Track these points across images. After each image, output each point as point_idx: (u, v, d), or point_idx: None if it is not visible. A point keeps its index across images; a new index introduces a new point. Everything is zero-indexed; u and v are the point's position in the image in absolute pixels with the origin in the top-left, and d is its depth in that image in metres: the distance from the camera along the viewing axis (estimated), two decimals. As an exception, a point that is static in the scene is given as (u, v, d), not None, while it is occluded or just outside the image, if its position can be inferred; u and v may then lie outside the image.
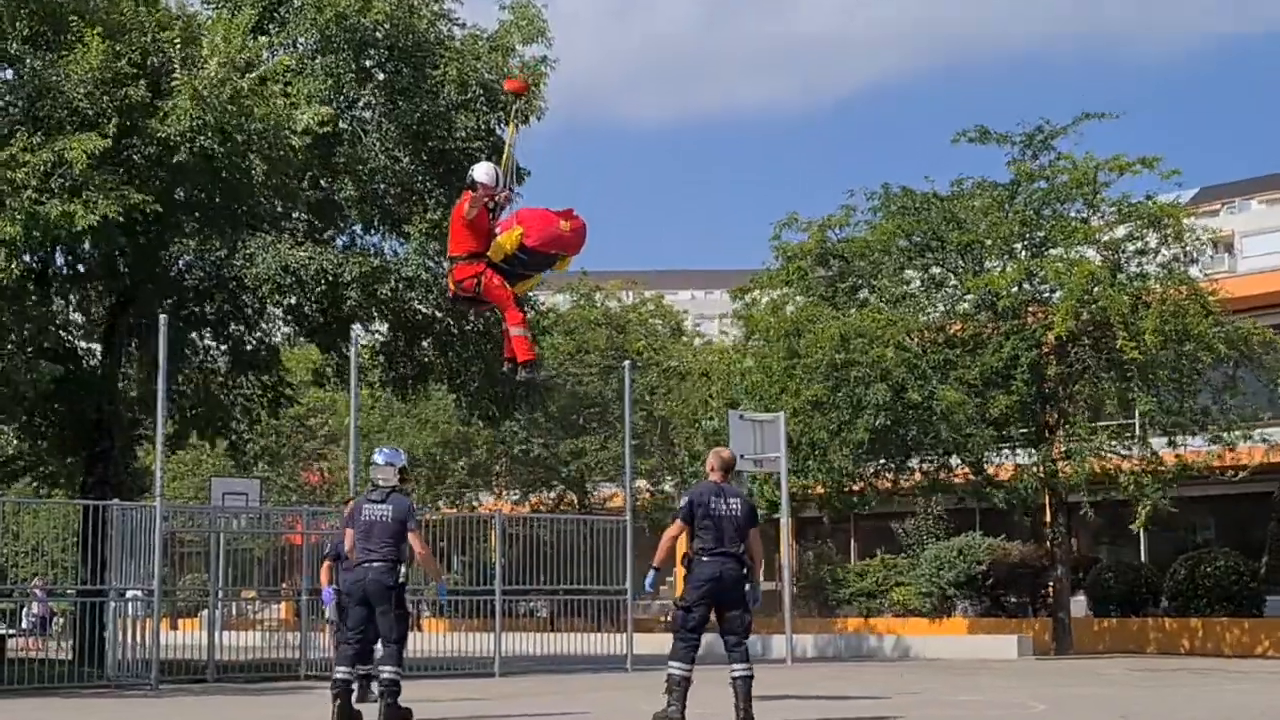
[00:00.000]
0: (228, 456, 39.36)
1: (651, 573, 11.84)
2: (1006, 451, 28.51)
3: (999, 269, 27.20)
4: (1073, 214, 27.69)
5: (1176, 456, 26.83)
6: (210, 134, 19.27)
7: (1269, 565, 28.72)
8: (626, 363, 24.74)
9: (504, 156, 12.84)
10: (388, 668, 11.69)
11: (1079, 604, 31.62)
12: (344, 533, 12.64)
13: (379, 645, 12.13)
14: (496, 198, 12.21)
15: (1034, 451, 27.45)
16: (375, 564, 11.74)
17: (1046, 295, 27.53)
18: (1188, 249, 27.46)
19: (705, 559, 11.04)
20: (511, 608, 26.77)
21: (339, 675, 11.91)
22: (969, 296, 27.70)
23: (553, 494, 38.69)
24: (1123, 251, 27.18)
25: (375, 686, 12.24)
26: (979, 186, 28.12)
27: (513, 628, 25.56)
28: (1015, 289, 26.79)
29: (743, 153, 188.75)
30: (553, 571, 22.40)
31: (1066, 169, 27.44)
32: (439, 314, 23.18)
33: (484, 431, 36.28)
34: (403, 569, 11.75)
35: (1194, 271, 27.97)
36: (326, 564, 16.47)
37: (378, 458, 12.31)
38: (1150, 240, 27.14)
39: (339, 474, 40.93)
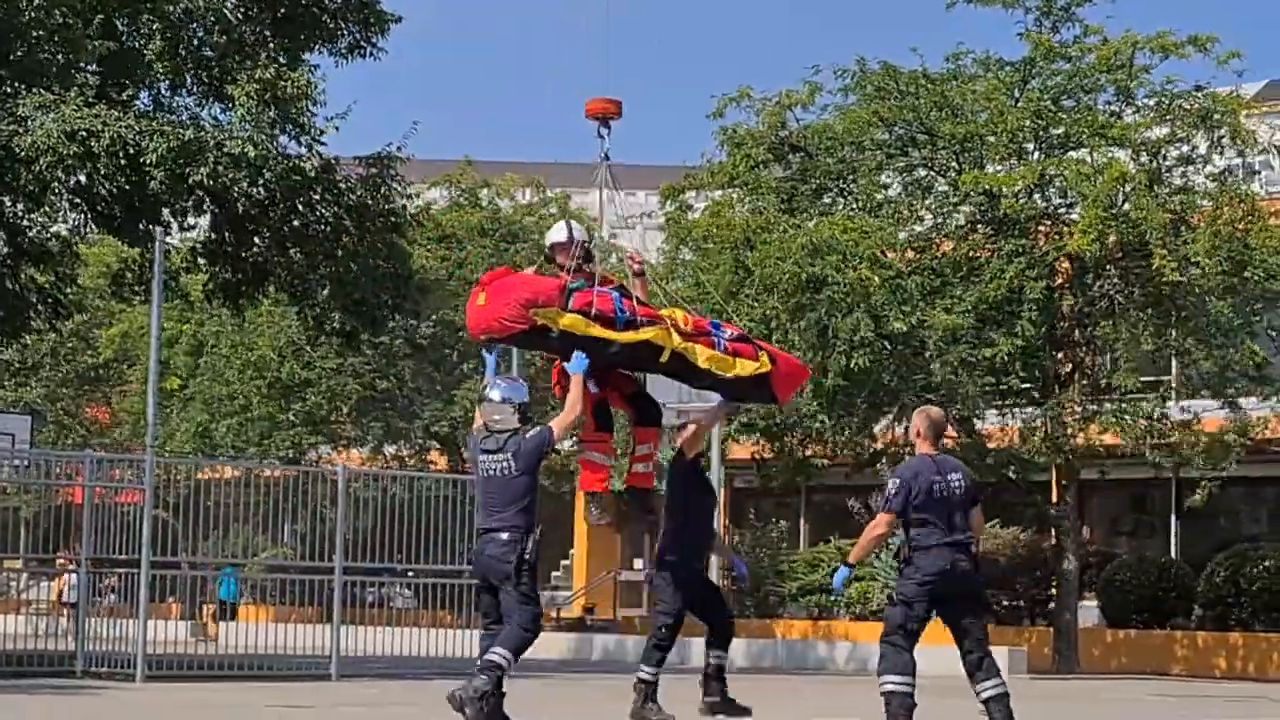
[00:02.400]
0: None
1: (845, 570, 12.36)
2: (1006, 409, 28.72)
3: (1004, 172, 27.33)
4: (1101, 105, 27.90)
5: (1232, 419, 27.14)
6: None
7: (1333, 567, 29.17)
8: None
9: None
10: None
11: (1090, 610, 32.09)
12: None
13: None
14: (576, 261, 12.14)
15: (1040, 410, 27.72)
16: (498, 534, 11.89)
17: (1063, 209, 27.73)
18: (1248, 157, 27.77)
19: (933, 549, 11.40)
20: (357, 594, 26.77)
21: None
22: (963, 206, 27.85)
23: (413, 449, 38.66)
24: (1163, 156, 27.42)
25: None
26: (981, 64, 28.21)
27: (361, 620, 25.60)
28: (1023, 198, 26.94)
29: (677, 12, 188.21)
30: (414, 547, 22.42)
31: (1095, 47, 27.60)
32: (275, 201, 23.02)
33: (328, 362, 36.10)
34: (525, 539, 11.83)
35: (1254, 187, 28.30)
36: None
37: (492, 393, 12.21)
38: (1199, 143, 27.41)
39: (133, 409, 40.64)
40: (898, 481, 11.55)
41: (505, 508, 11.90)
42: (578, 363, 11.80)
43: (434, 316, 36.24)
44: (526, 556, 11.80)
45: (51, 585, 31.25)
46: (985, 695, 11.37)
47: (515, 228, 39.75)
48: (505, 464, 11.92)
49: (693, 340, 11.96)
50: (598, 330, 11.83)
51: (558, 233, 12.55)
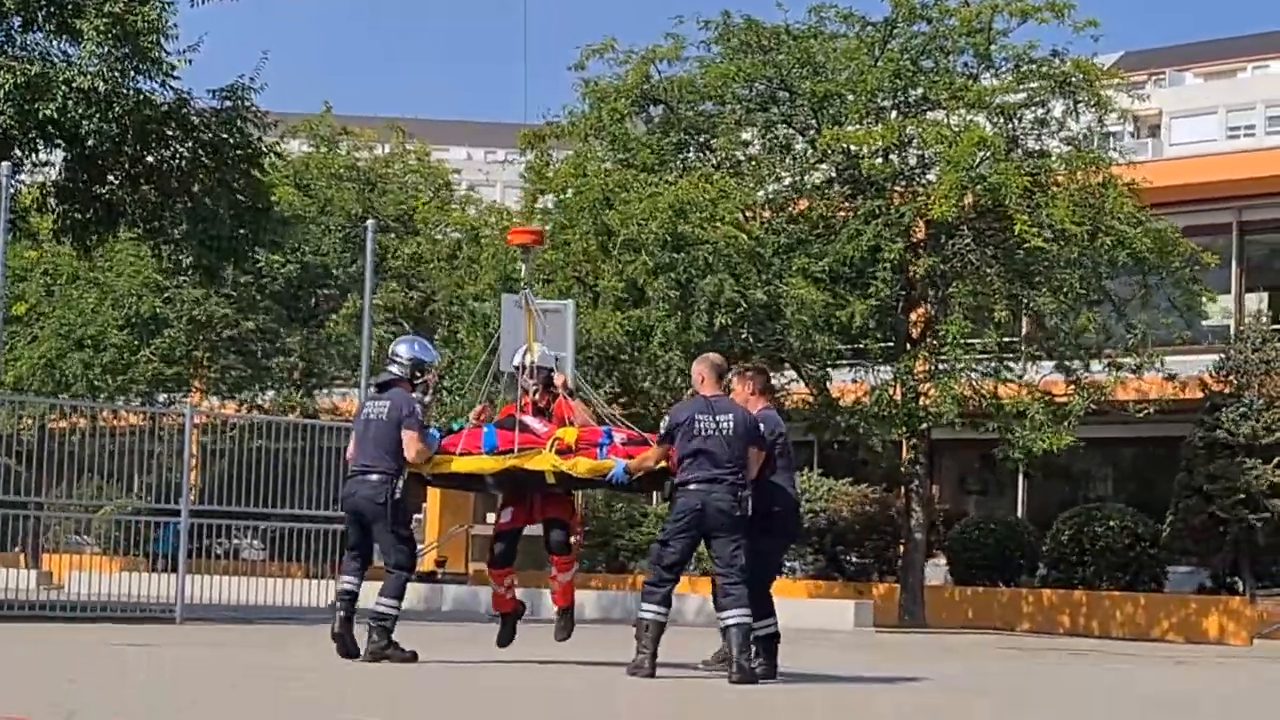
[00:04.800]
0: None
1: (620, 467, 12.74)
2: (857, 369, 28.95)
3: (862, 131, 27.49)
4: (959, 68, 28.15)
5: (1072, 383, 27.56)
6: None
7: (1174, 528, 29.54)
8: (370, 222, 24.51)
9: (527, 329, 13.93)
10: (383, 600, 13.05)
11: (938, 569, 32.47)
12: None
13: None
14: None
15: (891, 370, 27.96)
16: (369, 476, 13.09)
17: (918, 171, 27.97)
18: (1104, 123, 28.12)
19: (691, 487, 12.05)
20: (208, 545, 26.47)
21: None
22: (821, 165, 28.01)
23: (267, 397, 38.26)
24: (1019, 119, 27.71)
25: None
26: (844, 19, 28.31)
27: (212, 571, 25.35)
28: (880, 158, 27.15)
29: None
30: (265, 494, 22.21)
31: (956, 10, 27.84)
32: (128, 138, 22.69)
33: (187, 296, 35.54)
34: (393, 480, 13.02)
35: (1108, 154, 28.59)
36: None
37: (400, 346, 13.69)
38: (1055, 108, 27.73)
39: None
40: (668, 419, 12.57)
41: (378, 450, 13.06)
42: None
43: (291, 256, 35.82)
44: (396, 496, 12.98)
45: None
46: (728, 622, 11.96)
47: (373, 176, 39.39)
48: (383, 410, 13.07)
49: (573, 456, 12.80)
50: (465, 465, 13.04)
51: (529, 355, 13.54)
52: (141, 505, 23.44)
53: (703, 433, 12.06)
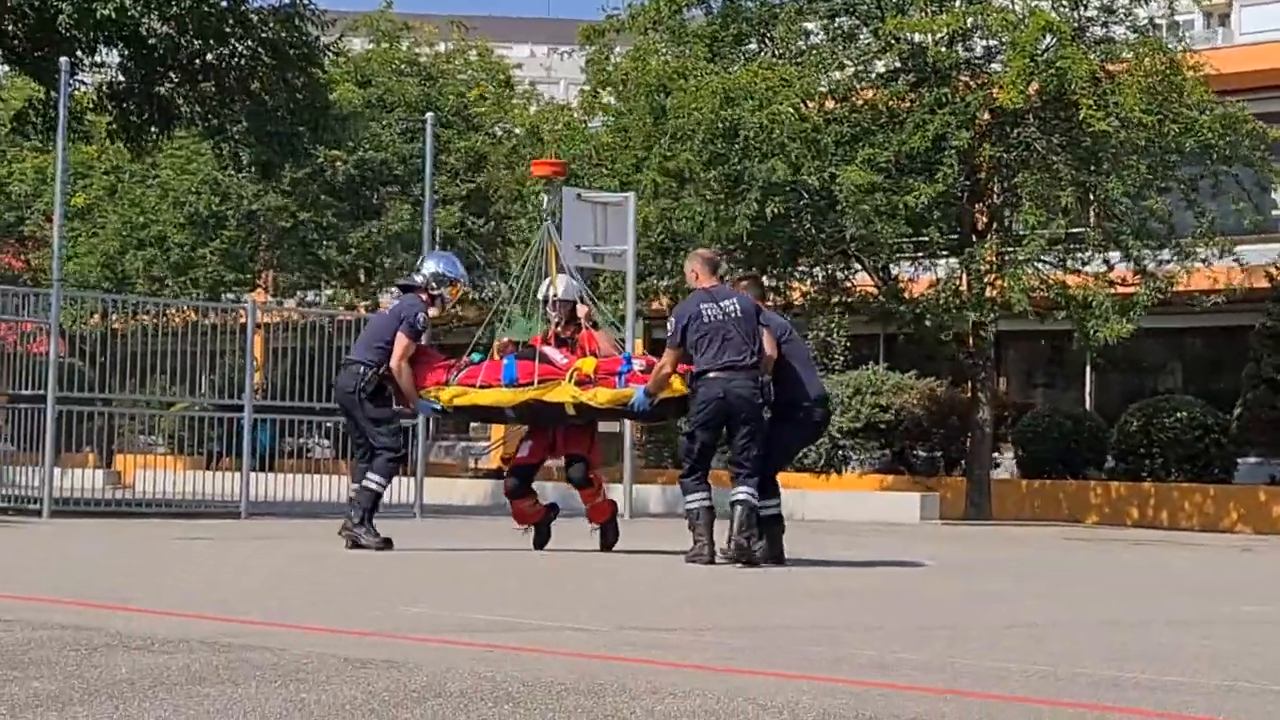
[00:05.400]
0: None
1: (641, 394, 12.76)
2: (923, 259, 28.76)
3: (927, 19, 27.12)
4: (1024, -48, 27.70)
5: (1140, 273, 27.31)
6: None
7: (1243, 419, 29.37)
8: (429, 114, 24.40)
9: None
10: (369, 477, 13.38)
11: (1006, 463, 32.34)
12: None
13: None
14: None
15: (957, 261, 27.76)
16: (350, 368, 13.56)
17: (984, 60, 27.65)
18: (1174, 10, 27.68)
19: (711, 375, 12.12)
20: (274, 444, 26.54)
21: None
22: (885, 54, 27.70)
23: (329, 294, 38.39)
24: (1085, 5, 27.29)
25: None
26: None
27: (280, 469, 25.46)
28: (945, 46, 26.84)
29: None
30: (329, 391, 22.23)
31: (1022, -110, 27.35)
32: (186, 36, 22.67)
33: (239, 200, 35.62)
34: (368, 371, 13.31)
35: (1174, 42, 28.17)
36: None
37: (430, 260, 14.14)
38: (1121, -6, 27.34)
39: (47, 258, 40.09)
40: (673, 320, 12.53)
41: (365, 342, 13.58)
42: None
43: (352, 154, 35.77)
44: (366, 384, 13.21)
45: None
46: (734, 497, 12.23)
47: (434, 71, 39.22)
48: (389, 306, 13.71)
49: (592, 386, 12.92)
50: (485, 398, 13.13)
51: (552, 289, 13.80)
52: (206, 403, 23.56)
53: (713, 318, 12.16)
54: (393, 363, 13.16)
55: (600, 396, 12.86)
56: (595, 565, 12.67)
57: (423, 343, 13.48)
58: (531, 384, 12.95)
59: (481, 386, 13.12)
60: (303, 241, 36.59)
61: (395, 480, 22.40)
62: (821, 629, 8.14)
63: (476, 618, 8.17)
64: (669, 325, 12.71)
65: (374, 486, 13.26)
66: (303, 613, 8.09)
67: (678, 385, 12.66)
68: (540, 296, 13.89)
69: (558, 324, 13.61)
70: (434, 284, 13.64)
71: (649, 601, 9.80)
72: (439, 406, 13.38)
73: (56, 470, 22.70)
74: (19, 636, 6.58)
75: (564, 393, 12.89)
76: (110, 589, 9.28)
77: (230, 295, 37.37)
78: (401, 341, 13.14)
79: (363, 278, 37.48)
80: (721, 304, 12.21)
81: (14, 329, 22.02)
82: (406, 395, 13.34)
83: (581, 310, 13.72)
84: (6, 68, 24.89)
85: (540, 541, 13.95)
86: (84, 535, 16.30)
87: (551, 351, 13.29)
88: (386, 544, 13.27)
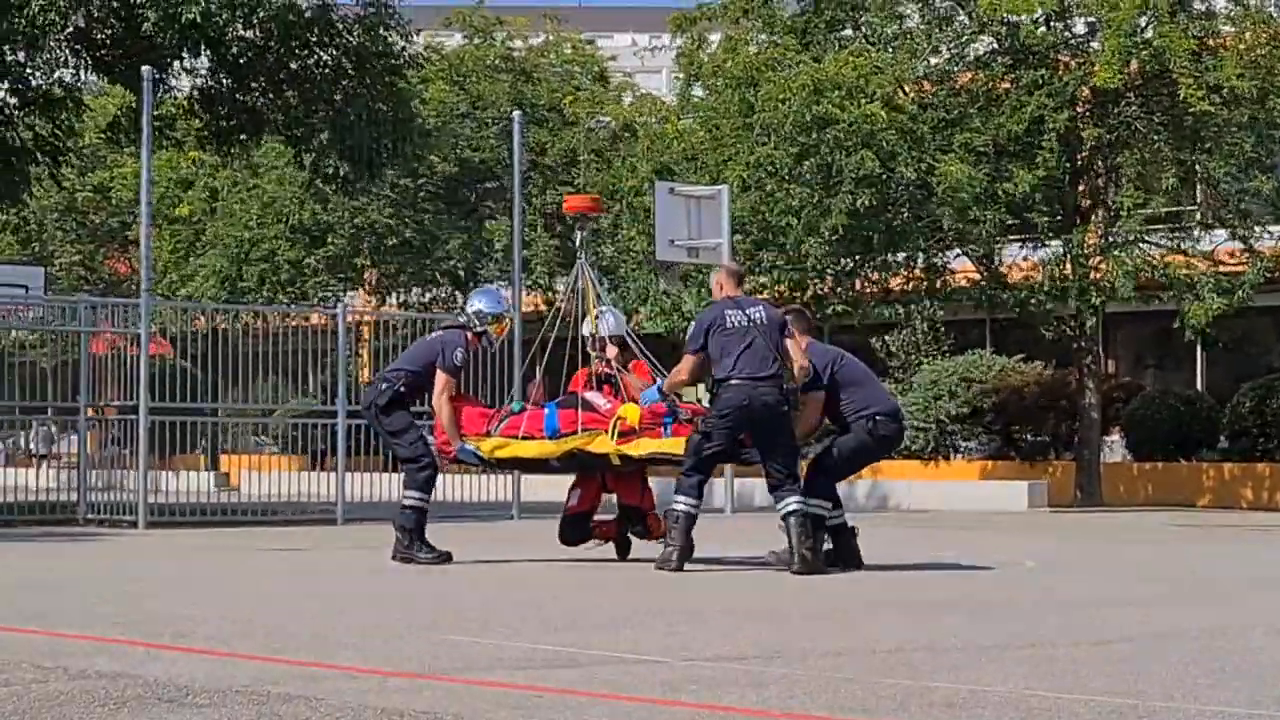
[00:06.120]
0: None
1: (653, 390, 12.78)
2: (1025, 244, 28.38)
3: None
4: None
5: (1247, 251, 26.75)
6: None
7: (1358, 397, 28.77)
8: (516, 113, 24.21)
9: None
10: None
11: (1115, 446, 31.78)
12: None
13: None
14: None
15: (1061, 244, 27.31)
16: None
17: (1082, 39, 27.23)
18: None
19: (734, 382, 11.98)
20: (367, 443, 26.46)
21: None
22: (982, 36, 27.32)
23: (428, 295, 38.22)
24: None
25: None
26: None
27: (377, 468, 25.35)
28: (1042, 26, 26.45)
29: None
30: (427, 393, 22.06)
31: None
32: (271, 43, 22.64)
33: (341, 209, 35.58)
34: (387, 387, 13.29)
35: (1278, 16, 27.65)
36: None
37: (476, 297, 14.16)
38: (1223, -34, 26.78)
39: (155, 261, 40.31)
40: (695, 324, 12.52)
41: (400, 359, 13.84)
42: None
43: (449, 156, 35.65)
44: (377, 399, 13.26)
45: (71, 439, 31.18)
46: (783, 510, 12.01)
47: (528, 66, 38.97)
48: (434, 335, 13.76)
49: (634, 437, 12.69)
50: (528, 450, 12.93)
51: (595, 326, 13.63)
52: (299, 407, 23.50)
53: (737, 325, 12.04)
54: (434, 400, 13.10)
55: (642, 448, 12.72)
56: (663, 578, 12.27)
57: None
58: (575, 433, 12.79)
59: (524, 438, 12.93)
60: (406, 243, 36.50)
61: (488, 478, 22.34)
62: (897, 653, 7.78)
63: (536, 648, 7.89)
64: (689, 331, 12.69)
65: (412, 503, 13.19)
66: (353, 646, 7.85)
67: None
68: (584, 334, 13.73)
69: (602, 362, 13.47)
70: (476, 321, 13.53)
71: (717, 622, 9.46)
72: (481, 455, 13.16)
73: (167, 474, 22.85)
74: (52, 689, 6.38)
75: (606, 445, 12.75)
76: (167, 621, 9.07)
77: (330, 296, 37.40)
78: (440, 379, 13.04)
79: (462, 276, 37.35)
80: (747, 311, 12.16)
81: (121, 338, 22.04)
82: (447, 433, 13.15)
83: (611, 351, 13.48)
84: (95, 76, 24.90)
85: (623, 553, 13.70)
86: (168, 550, 16.18)
87: (594, 397, 13.08)
88: (445, 558, 13.08)
